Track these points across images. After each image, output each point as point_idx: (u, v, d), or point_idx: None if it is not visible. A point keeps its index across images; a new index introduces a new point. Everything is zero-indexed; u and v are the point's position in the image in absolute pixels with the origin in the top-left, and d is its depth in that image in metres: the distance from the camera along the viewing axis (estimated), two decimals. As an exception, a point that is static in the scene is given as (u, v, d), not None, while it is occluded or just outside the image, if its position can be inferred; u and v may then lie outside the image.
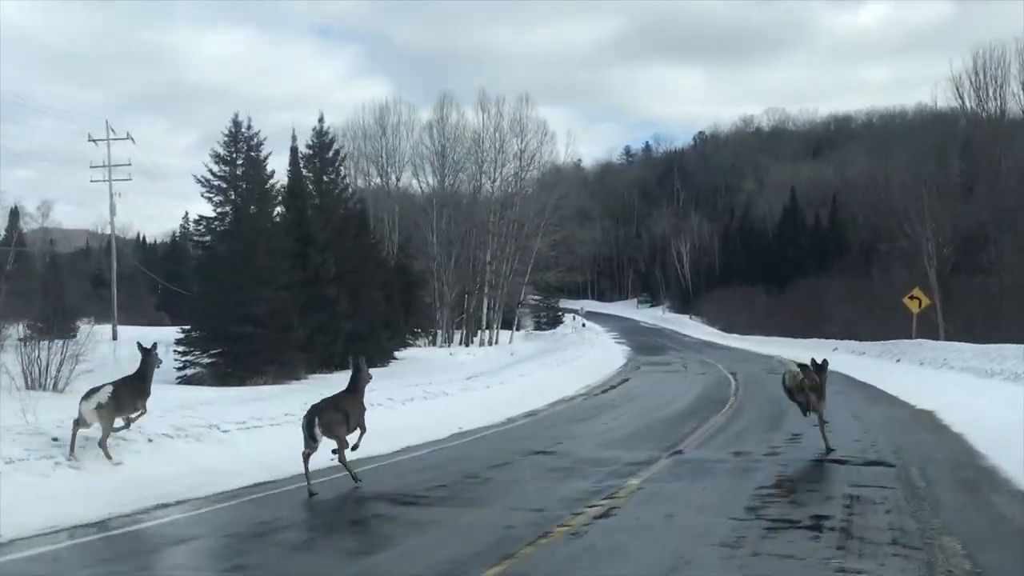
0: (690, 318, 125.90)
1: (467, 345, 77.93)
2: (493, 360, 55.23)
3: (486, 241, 79.98)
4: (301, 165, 55.89)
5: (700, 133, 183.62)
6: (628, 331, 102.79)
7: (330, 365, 48.12)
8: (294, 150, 53.82)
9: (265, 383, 39.87)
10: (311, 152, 57.41)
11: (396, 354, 60.57)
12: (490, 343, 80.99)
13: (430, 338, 78.07)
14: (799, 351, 61.28)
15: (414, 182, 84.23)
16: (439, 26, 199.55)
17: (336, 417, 13.14)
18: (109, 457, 14.02)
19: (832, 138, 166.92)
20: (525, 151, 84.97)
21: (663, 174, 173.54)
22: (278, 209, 50.85)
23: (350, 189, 58.18)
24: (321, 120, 57.88)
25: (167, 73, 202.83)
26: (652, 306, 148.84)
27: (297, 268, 47.74)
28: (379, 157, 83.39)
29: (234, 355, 43.00)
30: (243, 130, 46.66)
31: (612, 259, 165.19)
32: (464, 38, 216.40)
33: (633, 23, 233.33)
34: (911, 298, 45.88)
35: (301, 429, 13.21)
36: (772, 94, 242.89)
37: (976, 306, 55.22)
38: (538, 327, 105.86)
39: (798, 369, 17.77)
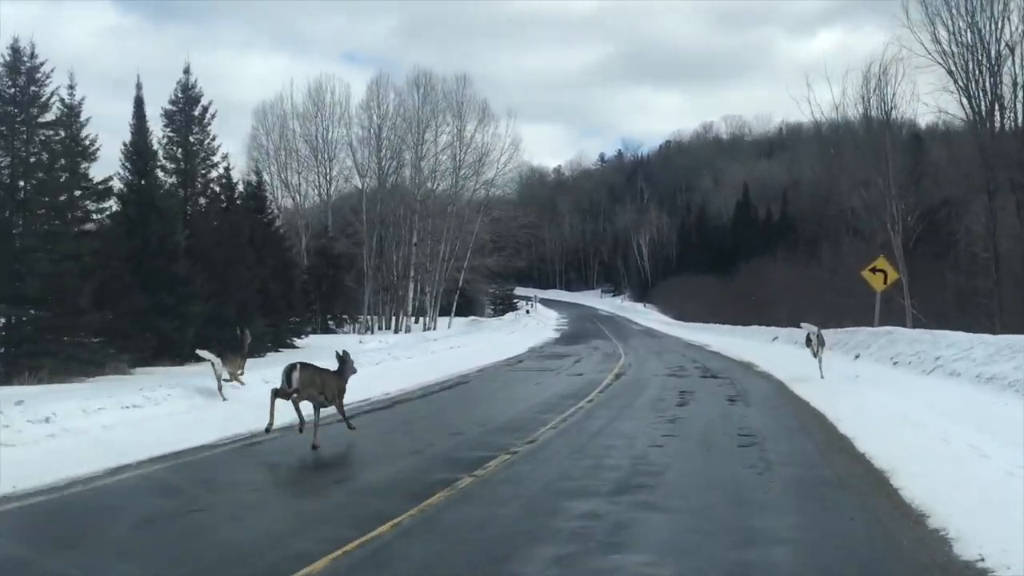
0: (644, 306, 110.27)
1: (395, 332, 60.93)
2: (392, 347, 38.97)
3: (413, 222, 62.96)
4: (164, 124, 39.50)
5: (667, 142, 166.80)
6: (579, 318, 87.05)
7: (179, 355, 32.11)
8: (139, 101, 36.23)
9: (39, 381, 23.67)
10: (174, 109, 40.40)
11: (298, 341, 44.51)
12: (425, 329, 64.22)
13: (356, 325, 61.66)
14: (738, 340, 45.52)
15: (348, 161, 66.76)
16: (444, 51, 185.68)
17: (313, 378, 12.42)
18: None
19: (784, 142, 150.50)
20: (463, 131, 67.79)
21: (630, 175, 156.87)
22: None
23: (220, 153, 40.96)
24: (187, 71, 40.65)
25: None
26: (614, 295, 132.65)
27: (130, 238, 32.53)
28: (312, 138, 66.03)
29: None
30: None
31: (579, 252, 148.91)
32: (466, 61, 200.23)
33: (617, 50, 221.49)
34: (874, 271, 29.11)
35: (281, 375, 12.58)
36: (735, 109, 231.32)
37: (946, 288, 38.15)
38: (496, 314, 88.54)
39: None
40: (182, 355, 32.75)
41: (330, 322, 61.25)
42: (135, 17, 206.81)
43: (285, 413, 12.60)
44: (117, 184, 33.49)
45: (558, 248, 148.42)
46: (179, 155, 40.22)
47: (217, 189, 41.61)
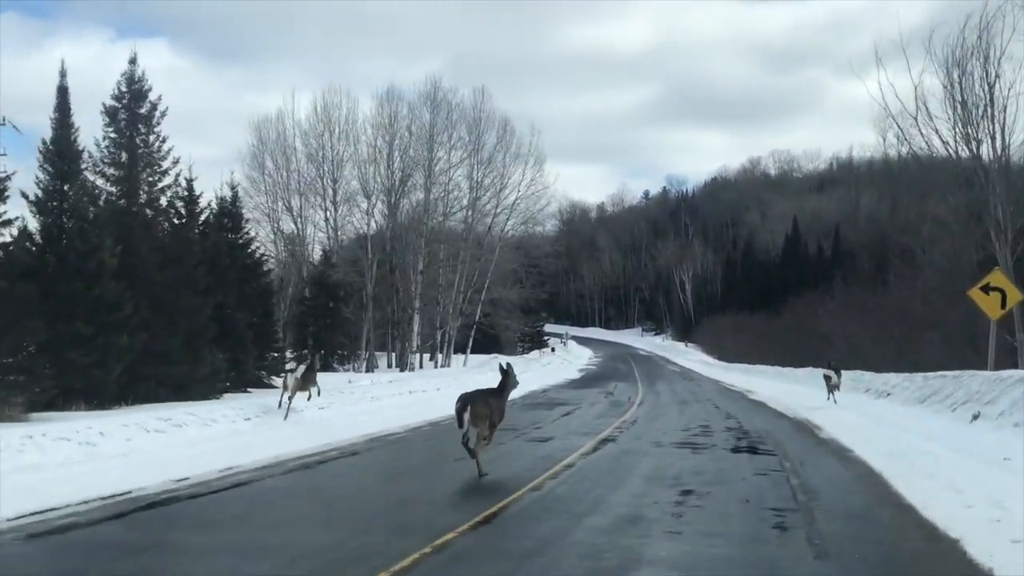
0: (686, 345, 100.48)
1: (401, 370, 52.15)
2: (371, 387, 30.65)
3: (419, 247, 54.26)
4: (105, 123, 31.90)
5: (712, 177, 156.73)
6: (612, 357, 77.97)
7: (101, 397, 25.08)
8: (63, 91, 28.03)
9: None
10: (117, 105, 32.45)
11: (277, 380, 36.43)
12: (439, 366, 55.52)
13: (355, 362, 53.23)
14: (788, 385, 36.22)
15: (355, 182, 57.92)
16: (493, 87, 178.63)
17: (483, 411, 11.21)
18: None
19: (835, 177, 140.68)
20: (482, 148, 59.15)
21: (673, 211, 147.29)
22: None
23: (172, 158, 32.56)
24: (133, 62, 32.80)
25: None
26: (655, 334, 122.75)
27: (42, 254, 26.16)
28: (315, 156, 57.48)
29: None
30: None
31: (619, 288, 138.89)
32: (511, 102, 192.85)
33: (664, 89, 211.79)
34: (986, 290, 19.58)
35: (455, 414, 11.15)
36: (782, 147, 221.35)
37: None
38: (524, 352, 79.15)
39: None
40: (105, 397, 24.84)
41: (330, 359, 53.07)
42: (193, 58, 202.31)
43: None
44: (34, 189, 26.17)
45: (597, 285, 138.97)
46: (122, 159, 32.24)
47: (177, 202, 33.82)
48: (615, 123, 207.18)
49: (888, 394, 23.14)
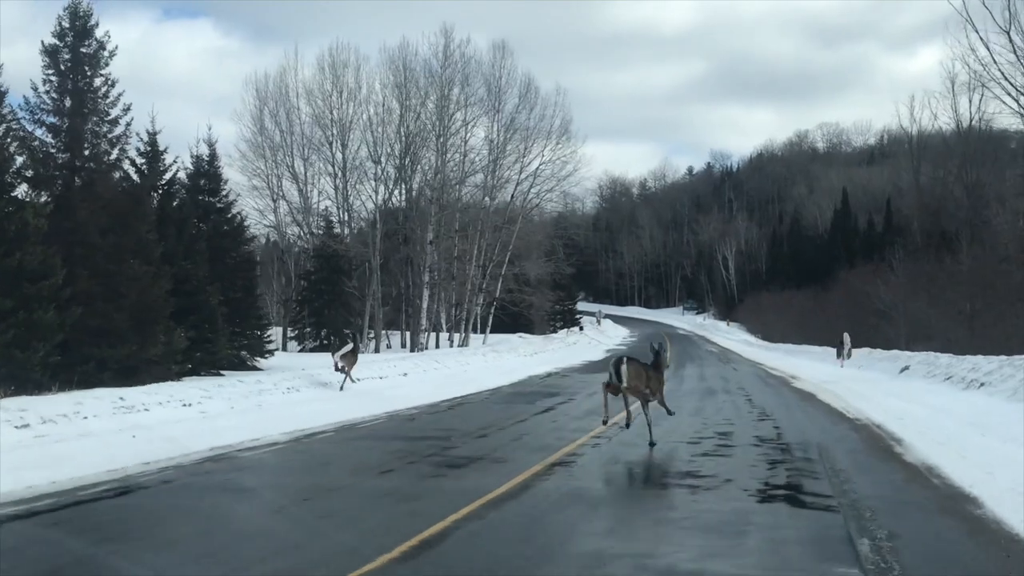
0: (727, 324, 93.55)
1: (412, 350, 46.32)
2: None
3: (430, 214, 48.28)
4: (45, 64, 26.13)
5: (758, 152, 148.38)
6: (647, 338, 69.82)
7: (26, 382, 19.02)
8: None
9: None
10: (59, 44, 26.73)
11: (263, 361, 32.32)
12: (459, 346, 49.66)
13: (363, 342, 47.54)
14: (842, 370, 29.76)
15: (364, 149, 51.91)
16: (534, 69, 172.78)
17: (640, 372, 11.70)
18: None
19: (886, 151, 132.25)
20: (502, 108, 52.89)
21: (717, 187, 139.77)
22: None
23: (123, 104, 26.85)
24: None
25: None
26: (697, 313, 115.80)
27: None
28: (323, 117, 51.56)
29: None
30: None
31: (660, 266, 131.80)
32: (556, 78, 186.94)
33: (709, 66, 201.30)
34: None
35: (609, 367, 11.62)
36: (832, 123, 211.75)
37: None
38: (553, 331, 72.81)
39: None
40: (30, 382, 19.54)
41: (333, 338, 47.52)
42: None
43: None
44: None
45: (638, 263, 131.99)
46: (64, 106, 26.53)
47: (137, 158, 28.34)
48: (659, 100, 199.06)
49: (982, 384, 16.78)
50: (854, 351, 31.97)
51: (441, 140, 49.07)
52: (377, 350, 46.53)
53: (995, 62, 27.99)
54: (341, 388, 19.17)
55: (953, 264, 35.55)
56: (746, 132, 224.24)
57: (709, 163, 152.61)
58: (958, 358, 20.05)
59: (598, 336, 64.38)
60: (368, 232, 49.35)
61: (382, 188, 49.95)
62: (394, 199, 51.09)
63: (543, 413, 16.01)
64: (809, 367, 30.65)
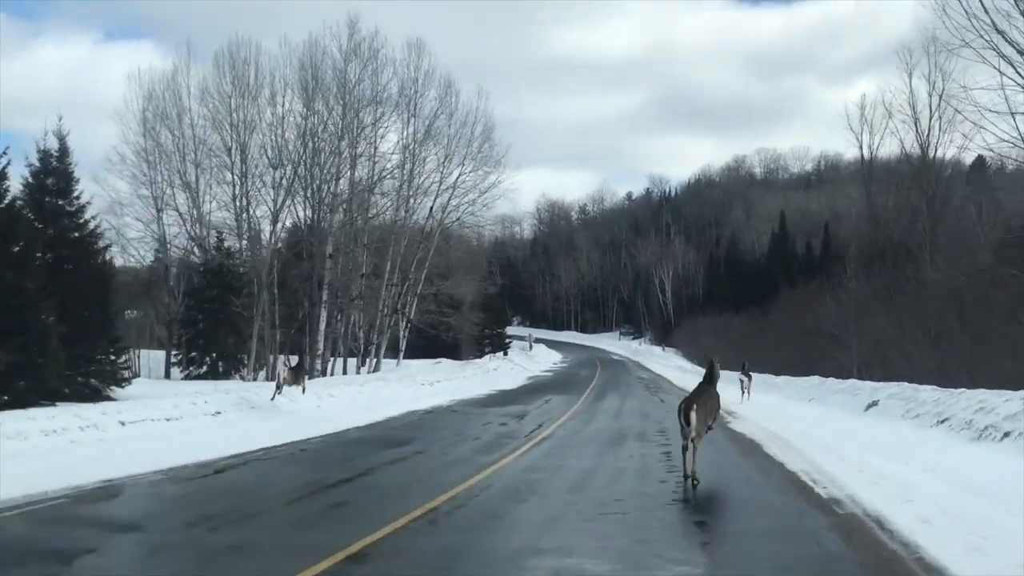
0: (663, 349, 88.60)
1: (308, 378, 39.89)
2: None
3: (331, 224, 42.30)
4: None
5: (697, 177, 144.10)
6: (578, 363, 66.48)
7: None
8: None
9: None
10: None
11: (119, 390, 26.10)
12: (370, 371, 43.49)
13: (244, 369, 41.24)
14: (786, 403, 24.04)
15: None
16: (492, 95, 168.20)
17: (703, 411, 10.24)
18: None
19: (822, 176, 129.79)
20: (418, 114, 47.20)
21: (656, 211, 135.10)
22: None
23: None
24: None
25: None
26: (634, 338, 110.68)
27: None
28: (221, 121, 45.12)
29: None
30: None
31: (597, 290, 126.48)
32: (499, 104, 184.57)
33: (651, 95, 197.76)
34: None
35: (680, 418, 10.09)
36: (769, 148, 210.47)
37: None
38: (479, 355, 66.66)
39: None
40: None
41: (219, 364, 41.56)
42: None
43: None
44: None
45: (575, 286, 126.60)
46: None
47: None
48: (602, 128, 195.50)
49: (1006, 434, 11.25)
50: (800, 380, 26.64)
51: (344, 142, 43.08)
52: (268, 377, 40.42)
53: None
54: (272, 398, 18.80)
55: (916, 276, 30.47)
56: (686, 160, 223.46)
57: (648, 188, 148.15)
58: (949, 393, 14.59)
59: (524, 362, 58.62)
60: (264, 244, 43.34)
61: (282, 195, 43.69)
62: (297, 209, 45.01)
63: (383, 468, 10.19)
64: (749, 400, 25.17)
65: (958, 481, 9.00)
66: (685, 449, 9.93)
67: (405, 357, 52.99)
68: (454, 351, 66.13)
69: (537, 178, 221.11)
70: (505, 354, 59.46)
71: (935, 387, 15.94)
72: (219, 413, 17.13)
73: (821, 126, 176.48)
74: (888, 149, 47.36)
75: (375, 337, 47.58)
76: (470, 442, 14.31)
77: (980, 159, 47.59)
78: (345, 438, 14.60)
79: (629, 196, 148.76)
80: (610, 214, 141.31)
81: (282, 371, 19.86)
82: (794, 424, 16.00)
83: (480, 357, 62.77)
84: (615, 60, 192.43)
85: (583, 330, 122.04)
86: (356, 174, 44.73)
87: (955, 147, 41.70)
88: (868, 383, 19.88)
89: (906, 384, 17.23)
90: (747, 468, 11.47)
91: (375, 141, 45.45)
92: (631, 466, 11.31)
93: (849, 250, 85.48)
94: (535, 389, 34.27)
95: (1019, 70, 22.44)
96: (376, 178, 45.57)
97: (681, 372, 54.53)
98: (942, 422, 13.32)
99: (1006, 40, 22.69)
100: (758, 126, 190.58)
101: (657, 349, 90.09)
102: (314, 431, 15.10)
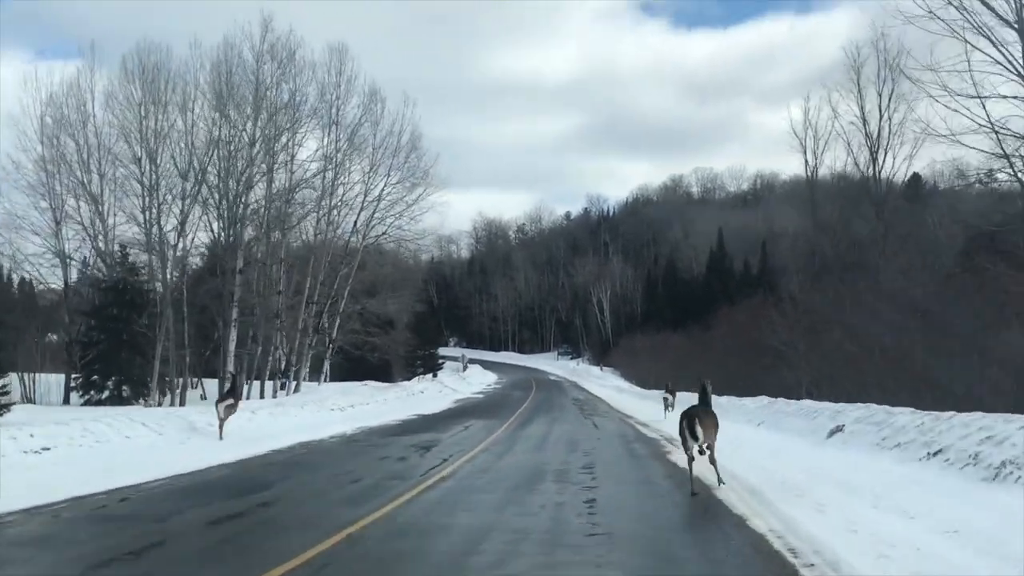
0: (601, 369, 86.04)
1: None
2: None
3: (241, 238, 38.81)
4: None
5: (635, 197, 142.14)
6: (512, 385, 63.76)
7: None
8: None
9: None
10: None
11: None
12: (289, 393, 39.91)
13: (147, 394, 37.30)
14: (731, 426, 21.12)
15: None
16: (432, 117, 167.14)
17: (710, 421, 10.40)
18: None
19: (759, 194, 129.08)
20: (340, 118, 44.13)
21: (593, 230, 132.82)
22: None
23: None
24: None
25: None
26: (572, 358, 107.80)
27: None
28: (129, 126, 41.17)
29: None
30: None
31: (535, 310, 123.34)
32: (437, 126, 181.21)
33: (589, 118, 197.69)
34: None
35: (683, 431, 10.18)
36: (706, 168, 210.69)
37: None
38: (410, 377, 63.11)
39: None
40: None
41: (123, 387, 37.82)
42: None
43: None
44: None
45: (512, 306, 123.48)
46: None
47: None
48: (541, 150, 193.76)
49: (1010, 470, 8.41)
50: (747, 401, 23.93)
51: (257, 150, 39.60)
52: (181, 402, 36.80)
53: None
54: (220, 438, 18.07)
55: (872, 286, 27.97)
56: (624, 181, 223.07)
57: (586, 208, 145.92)
58: (935, 417, 11.79)
59: (456, 384, 55.38)
60: (170, 257, 39.65)
61: (190, 206, 39.99)
62: (211, 222, 41.36)
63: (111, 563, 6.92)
64: (674, 413, 22.35)
65: (1000, 551, 6.11)
66: (692, 461, 10.15)
67: (332, 379, 49.88)
68: (385, 373, 62.91)
69: (475, 200, 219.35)
70: (435, 375, 56.09)
71: (912, 409, 13.17)
72: None
73: (757, 147, 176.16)
74: (834, 156, 44.46)
75: (294, 359, 44.18)
76: (345, 487, 11.13)
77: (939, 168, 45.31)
78: (175, 486, 11.28)
79: (567, 216, 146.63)
80: (548, 233, 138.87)
81: (219, 409, 18.87)
82: (748, 454, 13.10)
83: (408, 379, 59.37)
84: (553, 83, 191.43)
85: (521, 350, 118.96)
86: (273, 185, 41.39)
87: (907, 147, 38.87)
88: (827, 404, 17.09)
89: (875, 406, 14.44)
90: (695, 525, 8.48)
91: (292, 149, 42.19)
92: (539, 524, 8.24)
93: (793, 263, 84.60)
94: (459, 413, 31.10)
95: (999, 45, 19.56)
96: (293, 188, 42.16)
97: (618, 392, 51.85)
98: (934, 455, 10.51)
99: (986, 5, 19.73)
100: (695, 147, 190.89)
101: (595, 369, 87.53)
102: (144, 475, 11.76)
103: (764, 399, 22.14)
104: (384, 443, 18.21)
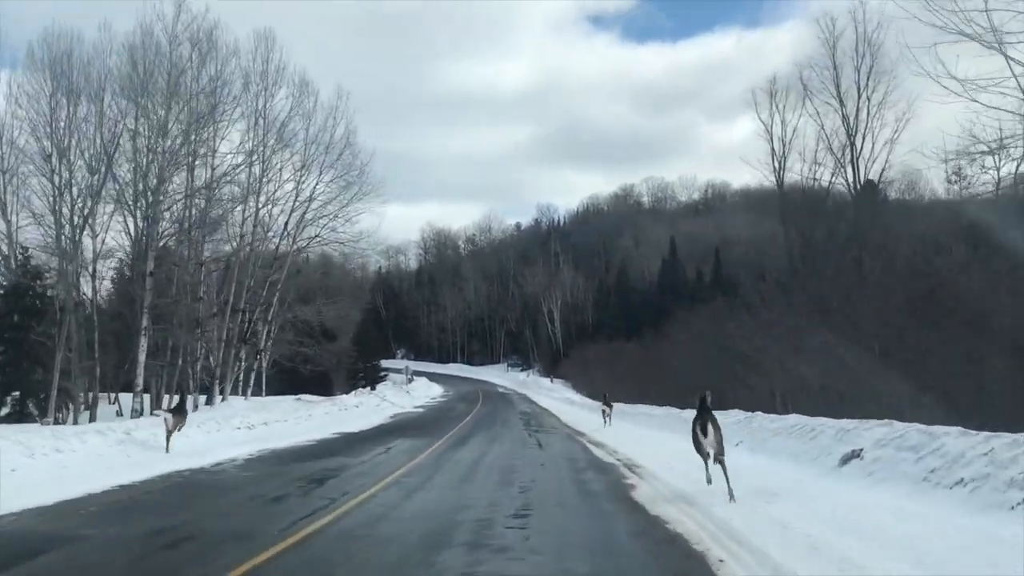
0: (551, 381, 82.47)
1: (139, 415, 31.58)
2: None
3: (152, 237, 34.36)
4: None
5: (585, 206, 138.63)
6: (458, 398, 60.29)
7: None
8: None
9: None
10: None
11: None
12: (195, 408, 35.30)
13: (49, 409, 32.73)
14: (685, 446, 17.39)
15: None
16: (382, 130, 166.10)
17: (717, 424, 10.51)
18: None
19: (710, 204, 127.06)
20: (267, 110, 39.97)
21: (544, 240, 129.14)
22: None
23: None
24: None
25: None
26: (522, 369, 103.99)
27: None
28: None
29: None
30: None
31: (484, 320, 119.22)
32: (388, 139, 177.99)
33: (542, 129, 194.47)
34: None
35: (695, 432, 10.31)
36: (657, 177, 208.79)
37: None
38: (347, 391, 58.76)
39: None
40: None
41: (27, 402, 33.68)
42: None
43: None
44: None
45: (461, 317, 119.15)
46: None
47: None
48: (492, 161, 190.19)
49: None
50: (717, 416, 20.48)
51: (170, 142, 35.22)
52: (92, 418, 32.39)
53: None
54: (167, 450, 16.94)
55: (858, 282, 24.44)
56: (576, 191, 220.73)
57: (537, 218, 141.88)
58: (1010, 441, 8.18)
59: (397, 397, 51.31)
60: (85, 260, 35.41)
61: (97, 203, 35.60)
62: (127, 221, 36.91)
63: None
64: (653, 442, 18.71)
65: None
66: (707, 457, 10.15)
67: (270, 393, 45.91)
68: (325, 386, 59.05)
69: (425, 212, 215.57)
70: (373, 388, 51.87)
71: (960, 429, 9.57)
72: None
73: (708, 157, 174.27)
74: (803, 142, 39.64)
75: (216, 371, 39.81)
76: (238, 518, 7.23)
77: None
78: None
79: (518, 226, 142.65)
80: (498, 244, 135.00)
81: (167, 419, 18.16)
82: (740, 494, 9.36)
83: (348, 393, 55.15)
84: (505, 94, 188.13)
85: (470, 362, 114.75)
86: (193, 182, 37.11)
87: (888, 130, 35.00)
88: (826, 420, 13.46)
89: (900, 424, 10.85)
90: None
91: (214, 143, 37.92)
92: None
93: (764, 264, 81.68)
94: (389, 431, 27.17)
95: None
96: (213, 184, 37.85)
97: (569, 405, 48.22)
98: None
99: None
100: (647, 158, 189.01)
101: (545, 381, 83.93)
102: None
103: (739, 413, 18.52)
104: (276, 472, 14.32)
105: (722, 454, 9.93)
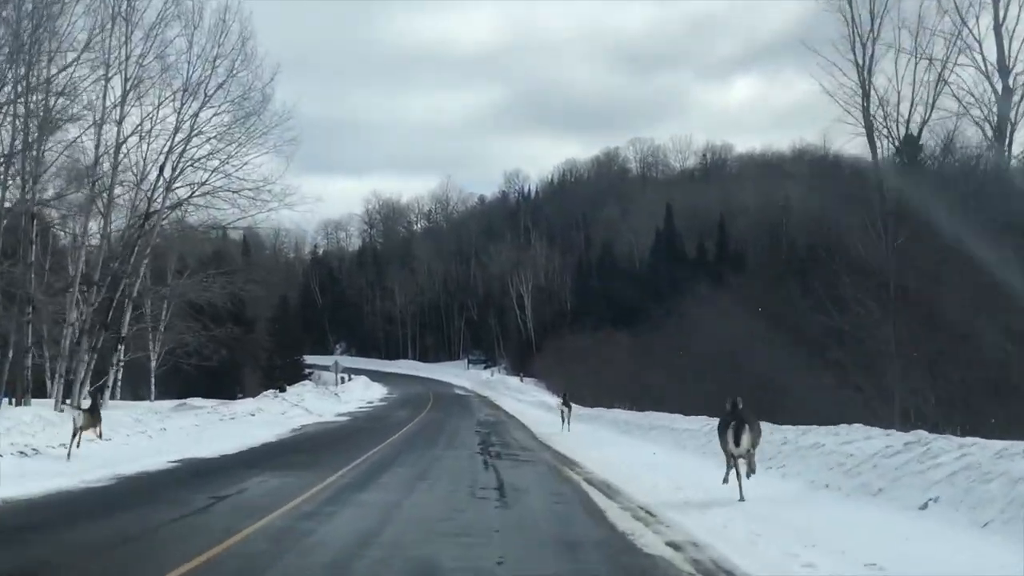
0: (521, 380, 76.17)
1: None
2: None
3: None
4: None
5: (561, 173, 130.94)
6: (405, 400, 54.20)
7: None
8: None
9: None
10: None
11: None
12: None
13: None
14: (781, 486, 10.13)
15: None
16: (311, 93, 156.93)
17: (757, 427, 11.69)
18: None
19: (709, 169, 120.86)
20: (130, 18, 32.32)
21: (512, 212, 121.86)
22: None
23: None
24: None
25: None
26: (486, 366, 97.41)
27: None
28: None
29: None
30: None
31: (440, 308, 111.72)
32: (336, 106, 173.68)
33: (510, 91, 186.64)
34: None
35: (727, 433, 11.32)
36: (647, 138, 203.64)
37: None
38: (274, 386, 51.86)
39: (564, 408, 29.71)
40: None
41: None
42: None
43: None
44: None
45: (412, 304, 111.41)
46: None
47: None
48: (452, 129, 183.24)
49: None
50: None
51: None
52: None
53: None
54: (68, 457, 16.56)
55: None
56: (549, 161, 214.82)
57: (504, 190, 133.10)
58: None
59: (317, 402, 44.31)
60: None
61: None
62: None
63: None
64: (678, 474, 11.93)
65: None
66: (731, 462, 11.27)
67: (159, 396, 41.75)
68: (234, 386, 52.83)
69: (373, 184, 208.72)
70: (282, 391, 44.64)
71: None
72: None
73: (703, 120, 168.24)
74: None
75: (60, 366, 32.43)
76: None
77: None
78: None
79: (482, 199, 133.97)
80: (458, 218, 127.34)
81: (77, 417, 17.62)
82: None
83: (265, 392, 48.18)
84: (467, 53, 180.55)
85: (424, 359, 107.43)
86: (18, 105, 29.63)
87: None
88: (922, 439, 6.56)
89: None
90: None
91: (49, 46, 30.36)
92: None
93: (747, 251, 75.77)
94: (267, 456, 20.07)
95: None
96: (51, 92, 30.29)
97: (545, 411, 41.35)
98: None
99: None
100: (629, 125, 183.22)
101: (513, 380, 77.44)
102: None
103: (766, 426, 12.26)
104: None
105: (752, 453, 10.94)
